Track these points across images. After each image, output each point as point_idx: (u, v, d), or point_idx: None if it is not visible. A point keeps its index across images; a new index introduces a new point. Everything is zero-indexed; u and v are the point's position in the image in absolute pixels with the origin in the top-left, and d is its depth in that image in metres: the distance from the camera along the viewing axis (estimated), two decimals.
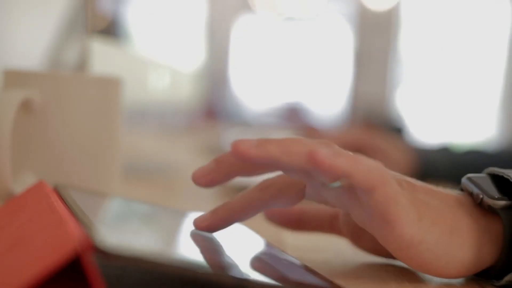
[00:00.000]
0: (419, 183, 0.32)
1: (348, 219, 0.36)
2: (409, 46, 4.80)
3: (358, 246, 0.37)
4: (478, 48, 4.69)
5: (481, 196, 0.31)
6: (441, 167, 0.74)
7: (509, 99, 4.59)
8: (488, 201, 0.31)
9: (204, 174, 0.30)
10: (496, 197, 0.31)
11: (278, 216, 0.37)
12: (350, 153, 0.30)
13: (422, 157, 0.75)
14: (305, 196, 0.33)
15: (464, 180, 0.33)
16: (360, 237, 0.36)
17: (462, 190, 0.34)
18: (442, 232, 0.30)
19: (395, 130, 3.53)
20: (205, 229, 0.32)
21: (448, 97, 4.78)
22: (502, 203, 0.30)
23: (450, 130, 4.73)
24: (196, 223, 0.32)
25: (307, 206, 0.38)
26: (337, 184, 0.29)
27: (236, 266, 0.24)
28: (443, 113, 4.79)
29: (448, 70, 4.77)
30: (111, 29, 0.54)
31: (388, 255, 0.36)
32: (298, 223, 0.37)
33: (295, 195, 0.32)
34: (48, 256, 0.20)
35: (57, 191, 0.33)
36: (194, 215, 0.37)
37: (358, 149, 0.69)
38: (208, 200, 0.54)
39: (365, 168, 0.28)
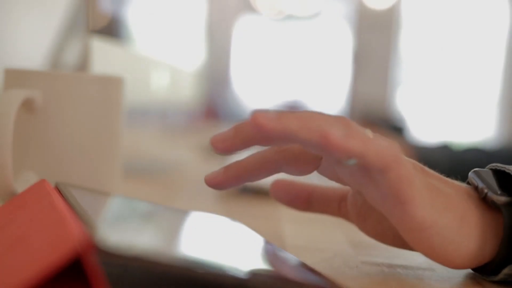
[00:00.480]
0: (431, 170, 0.33)
1: (355, 201, 0.36)
2: (408, 44, 4.80)
3: (363, 230, 0.36)
4: (477, 48, 4.70)
5: (485, 190, 0.32)
6: (441, 164, 0.74)
7: (508, 98, 4.60)
8: (492, 196, 0.31)
9: (222, 140, 0.30)
10: (499, 192, 0.31)
11: (286, 195, 0.37)
12: (365, 131, 0.30)
13: (422, 155, 0.75)
14: (319, 171, 0.33)
15: (471, 173, 0.33)
16: (366, 220, 0.36)
17: (468, 183, 0.34)
18: (453, 218, 0.30)
19: (396, 129, 3.53)
20: (216, 186, 0.32)
21: (448, 96, 4.79)
22: (504, 199, 0.31)
23: (450, 129, 4.74)
24: (207, 179, 0.32)
25: (316, 185, 0.37)
26: (352, 161, 0.28)
27: (236, 266, 0.24)
28: (443, 112, 4.79)
29: (447, 69, 4.78)
30: (111, 29, 0.54)
31: (391, 242, 0.36)
32: (306, 203, 0.37)
33: (310, 163, 0.32)
34: (48, 256, 0.20)
35: (58, 189, 0.33)
36: (195, 214, 0.38)
37: None
38: (209, 200, 0.54)
39: (378, 148, 0.28)
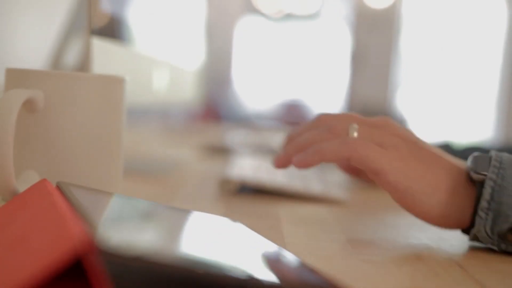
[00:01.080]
0: (427, 145, 0.43)
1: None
2: (408, 44, 4.81)
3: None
4: (476, 48, 4.72)
5: (469, 170, 0.40)
6: None
7: (505, 100, 4.62)
8: (472, 175, 0.40)
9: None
10: (477, 171, 0.39)
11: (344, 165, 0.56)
12: (347, 134, 0.43)
13: None
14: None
15: (470, 156, 0.41)
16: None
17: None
18: (427, 185, 0.40)
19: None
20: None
21: (447, 96, 4.80)
22: (477, 177, 0.39)
23: (449, 129, 4.75)
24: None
25: None
26: None
27: (236, 266, 0.24)
28: (442, 112, 4.80)
29: (447, 69, 4.79)
30: (112, 29, 0.54)
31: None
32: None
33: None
34: (48, 256, 0.20)
35: (59, 189, 0.34)
36: (195, 214, 0.38)
37: None
38: (209, 200, 0.55)
39: (332, 149, 0.42)
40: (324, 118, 0.46)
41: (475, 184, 0.40)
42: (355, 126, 0.43)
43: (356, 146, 0.41)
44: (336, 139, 0.42)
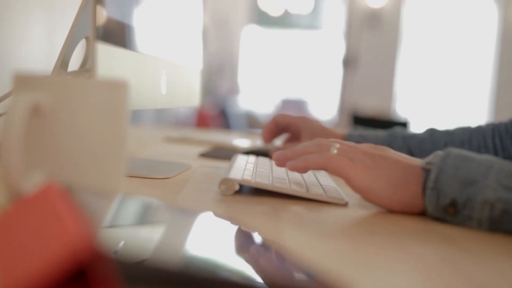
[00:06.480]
0: (387, 157, 0.54)
1: None
2: (406, 43, 4.81)
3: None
4: (470, 50, 4.76)
5: (422, 163, 0.52)
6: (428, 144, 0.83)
7: (498, 101, 4.66)
8: (424, 165, 0.51)
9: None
10: (430, 163, 0.51)
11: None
12: (329, 149, 0.56)
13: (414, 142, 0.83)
14: None
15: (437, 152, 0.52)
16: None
17: None
18: (384, 184, 0.52)
19: (398, 125, 3.53)
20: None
21: (445, 97, 4.83)
22: (428, 166, 0.51)
23: (445, 125, 4.79)
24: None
25: None
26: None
27: (237, 270, 0.25)
28: (439, 110, 4.84)
29: (444, 69, 4.83)
30: (117, 32, 0.55)
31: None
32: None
33: None
34: (46, 260, 0.20)
35: (67, 192, 0.34)
36: (199, 214, 0.38)
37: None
38: (210, 200, 0.55)
39: (314, 160, 0.54)
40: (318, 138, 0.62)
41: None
42: (337, 145, 0.55)
43: (332, 159, 0.53)
44: (319, 153, 0.55)
